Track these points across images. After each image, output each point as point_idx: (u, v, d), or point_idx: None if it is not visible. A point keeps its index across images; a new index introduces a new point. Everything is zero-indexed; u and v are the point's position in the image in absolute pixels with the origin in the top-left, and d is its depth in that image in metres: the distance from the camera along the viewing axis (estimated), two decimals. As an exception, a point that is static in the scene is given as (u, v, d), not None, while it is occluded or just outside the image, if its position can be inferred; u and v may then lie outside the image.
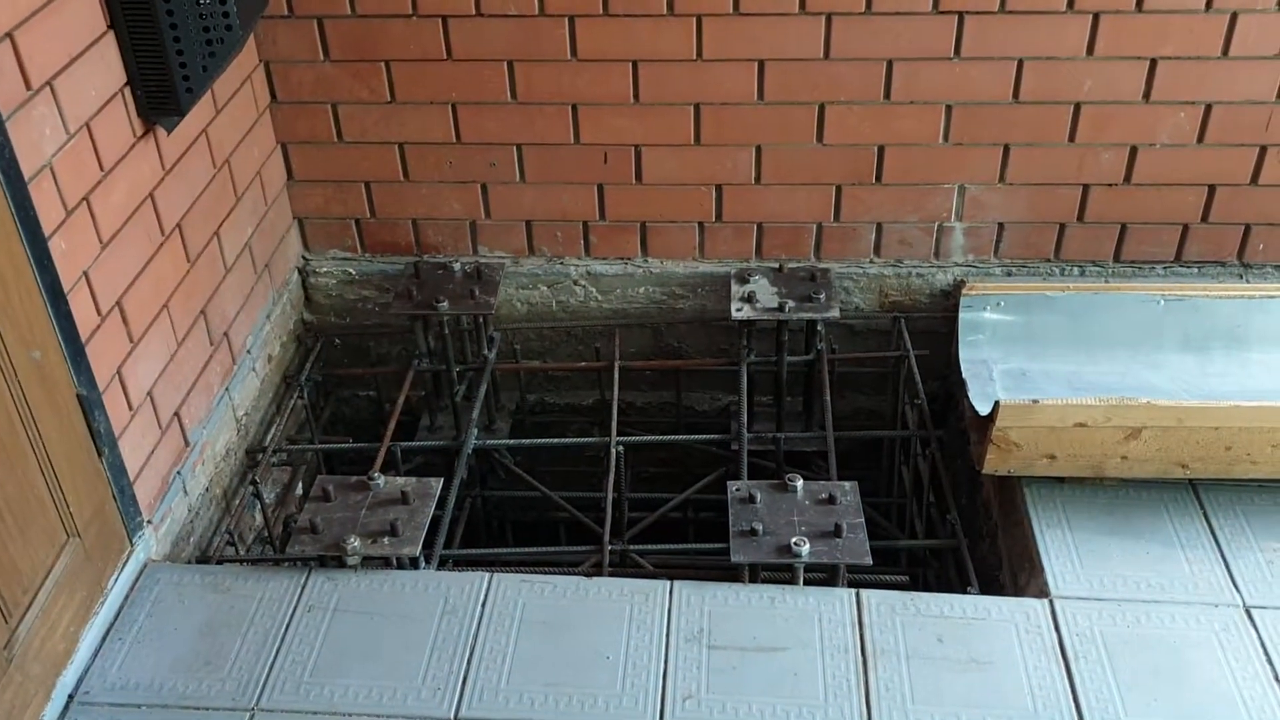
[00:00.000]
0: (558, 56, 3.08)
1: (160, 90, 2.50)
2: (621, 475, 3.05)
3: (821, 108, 3.12)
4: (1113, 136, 3.11)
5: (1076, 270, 3.33)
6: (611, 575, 2.69)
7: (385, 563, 2.54)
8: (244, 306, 3.09)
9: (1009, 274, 3.34)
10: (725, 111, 3.14)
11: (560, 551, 2.89)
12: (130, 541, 2.52)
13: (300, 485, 3.44)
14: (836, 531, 2.49)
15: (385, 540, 2.53)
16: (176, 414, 2.73)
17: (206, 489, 2.90)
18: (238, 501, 3.05)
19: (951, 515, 2.79)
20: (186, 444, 2.79)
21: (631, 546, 2.84)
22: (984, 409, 2.68)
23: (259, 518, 3.13)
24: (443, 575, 2.53)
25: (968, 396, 2.76)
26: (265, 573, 2.54)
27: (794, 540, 2.45)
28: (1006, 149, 3.15)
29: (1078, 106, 3.07)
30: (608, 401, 3.28)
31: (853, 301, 3.42)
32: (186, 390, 2.78)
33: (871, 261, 3.37)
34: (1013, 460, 2.60)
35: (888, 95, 3.08)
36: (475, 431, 3.13)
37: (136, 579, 2.52)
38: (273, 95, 3.20)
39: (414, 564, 2.55)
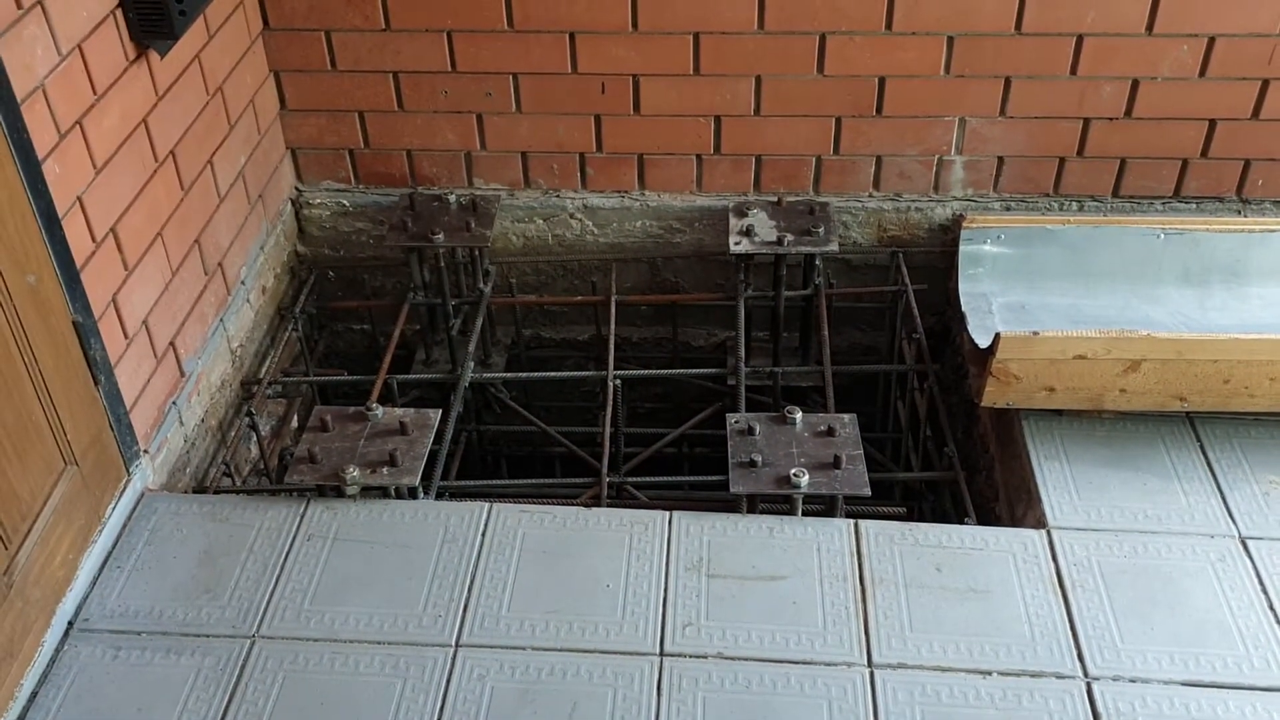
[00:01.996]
0: (555, -18, 3.03)
1: (152, 12, 2.45)
2: (618, 410, 3.04)
3: (822, 37, 3.08)
4: (1114, 69, 3.08)
5: (1075, 205, 3.31)
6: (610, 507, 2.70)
7: (384, 493, 2.53)
8: (237, 237, 3.06)
9: (1008, 208, 3.32)
10: (725, 41, 3.10)
11: (557, 484, 2.88)
12: (127, 470, 2.51)
13: (296, 418, 3.43)
14: (835, 463, 2.49)
15: (384, 470, 2.52)
16: (172, 344, 2.71)
17: (202, 420, 2.89)
18: (233, 433, 3.04)
19: (949, 448, 2.80)
20: (182, 374, 2.77)
21: (628, 480, 2.84)
22: (983, 342, 2.68)
23: (255, 450, 3.13)
24: (442, 505, 2.52)
25: (967, 329, 2.76)
26: (264, 502, 2.54)
27: (793, 471, 2.45)
28: (1008, 81, 3.12)
29: (1080, 38, 3.03)
30: (604, 337, 3.27)
31: (851, 236, 3.41)
32: (181, 320, 2.76)
33: (870, 195, 3.35)
34: (1012, 393, 2.60)
35: (889, 25, 3.04)
36: (471, 365, 3.11)
37: (134, 508, 2.51)
38: (265, 22, 3.15)
39: (413, 494, 2.55)
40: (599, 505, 2.67)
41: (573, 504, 2.71)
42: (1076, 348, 2.51)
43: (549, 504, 2.55)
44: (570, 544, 2.42)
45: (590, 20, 3.08)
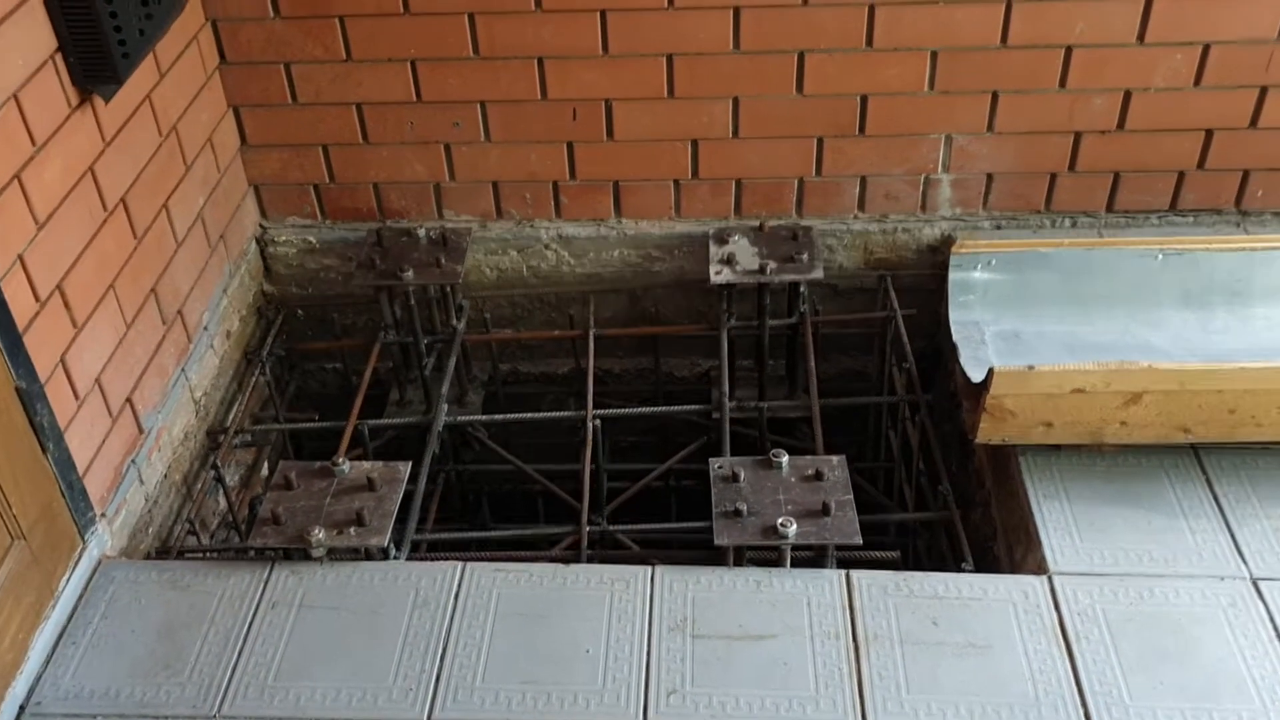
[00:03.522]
0: (521, 8, 2.90)
1: (94, 57, 2.33)
2: (599, 449, 2.93)
3: (801, 56, 2.96)
4: (1106, 81, 2.96)
5: (1068, 221, 3.20)
6: (590, 558, 2.59)
7: (353, 553, 2.41)
8: (198, 281, 2.93)
9: (998, 227, 3.21)
10: (700, 62, 2.98)
11: (537, 535, 2.76)
12: (82, 538, 2.39)
13: (266, 464, 3.31)
14: (824, 510, 2.37)
15: (352, 530, 2.40)
16: (129, 400, 2.59)
17: (165, 476, 2.77)
18: (199, 486, 2.92)
19: (943, 486, 2.68)
20: (140, 431, 2.65)
21: (611, 527, 2.73)
22: (977, 375, 2.56)
23: (223, 501, 3.00)
24: (413, 565, 2.40)
25: (959, 361, 2.64)
26: (226, 567, 2.41)
27: (780, 521, 2.34)
28: (995, 96, 3.01)
29: (1069, 50, 2.92)
30: (583, 370, 3.16)
31: (836, 260, 3.29)
32: (139, 374, 2.64)
33: (855, 217, 3.23)
34: (1007, 429, 2.49)
35: (870, 42, 2.93)
36: (445, 407, 2.99)
37: (90, 578, 2.39)
38: (221, 55, 3.02)
39: (383, 554, 2.43)
40: (579, 555, 2.56)
41: (552, 556, 2.61)
42: (1074, 381, 2.40)
43: (526, 560, 2.44)
44: (548, 605, 2.30)
45: (559, 45, 2.96)
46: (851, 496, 2.42)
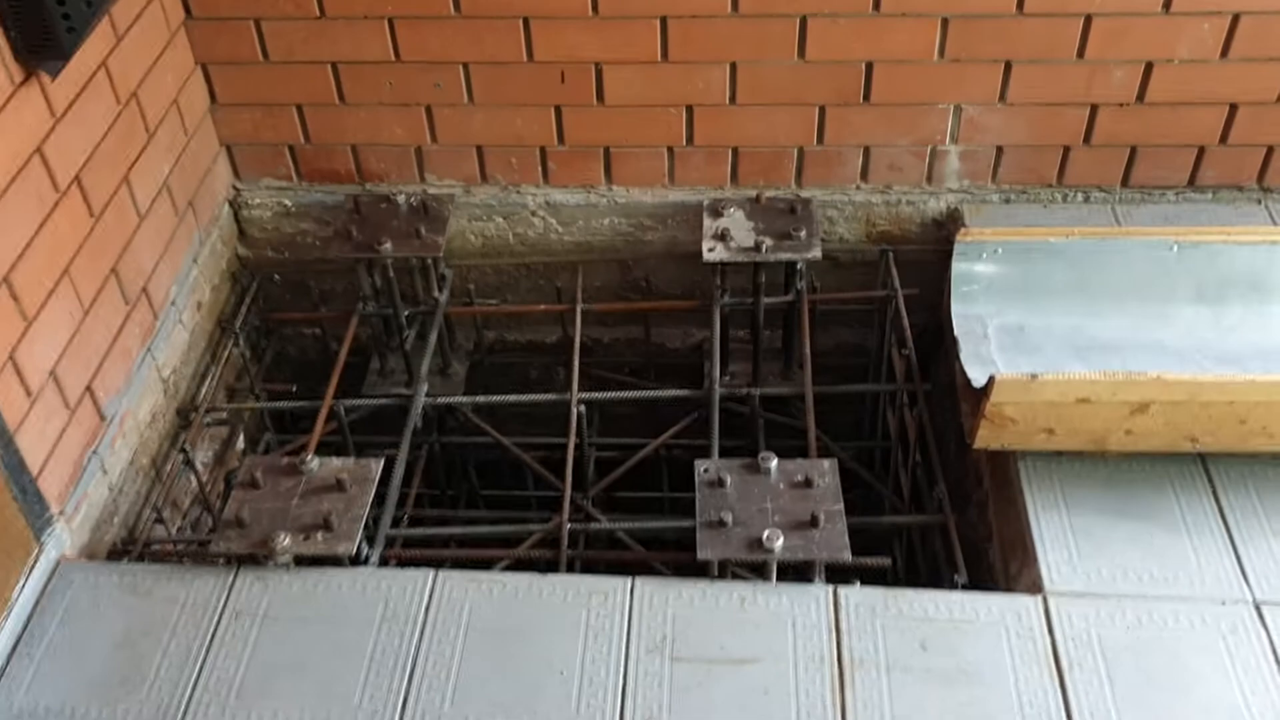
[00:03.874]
0: (505, -35, 2.73)
1: (37, 32, 2.16)
2: (583, 433, 2.82)
3: (803, 20, 2.78)
4: (1126, 52, 2.78)
5: (1080, 196, 3.04)
6: (571, 559, 2.49)
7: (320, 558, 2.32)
8: (164, 255, 2.80)
9: (1007, 200, 3.05)
10: (695, 25, 2.80)
11: (517, 532, 2.64)
12: (38, 540, 2.29)
13: (242, 437, 3.21)
14: (813, 521, 2.27)
15: (319, 536, 2.31)
16: (88, 388, 2.48)
17: (130, 462, 2.66)
18: (169, 467, 2.82)
19: (939, 489, 2.58)
20: (102, 419, 2.54)
21: (593, 525, 2.62)
22: (977, 374, 2.43)
23: (195, 482, 2.91)
24: (383, 574, 2.31)
25: (960, 358, 2.51)
26: (189, 572, 2.32)
27: (766, 534, 2.23)
28: (1008, 66, 2.83)
29: (1088, 19, 2.73)
30: (572, 338, 3.03)
31: (837, 231, 3.14)
32: (99, 361, 2.52)
33: (858, 188, 3.07)
34: (1007, 436, 2.37)
35: (877, 7, 2.74)
36: (425, 386, 2.87)
37: (48, 582, 2.30)
38: (187, 10, 2.85)
39: (354, 559, 2.34)
40: (558, 557, 2.46)
41: (532, 554, 2.51)
42: (1079, 391, 2.27)
43: (504, 557, 2.35)
44: (522, 620, 2.21)
45: (545, 5, 2.78)
46: (841, 506, 2.32)
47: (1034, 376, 2.26)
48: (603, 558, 2.65)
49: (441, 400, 2.93)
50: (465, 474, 3.56)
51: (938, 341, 3.26)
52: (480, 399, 2.92)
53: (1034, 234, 2.61)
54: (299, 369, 3.45)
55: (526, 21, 2.81)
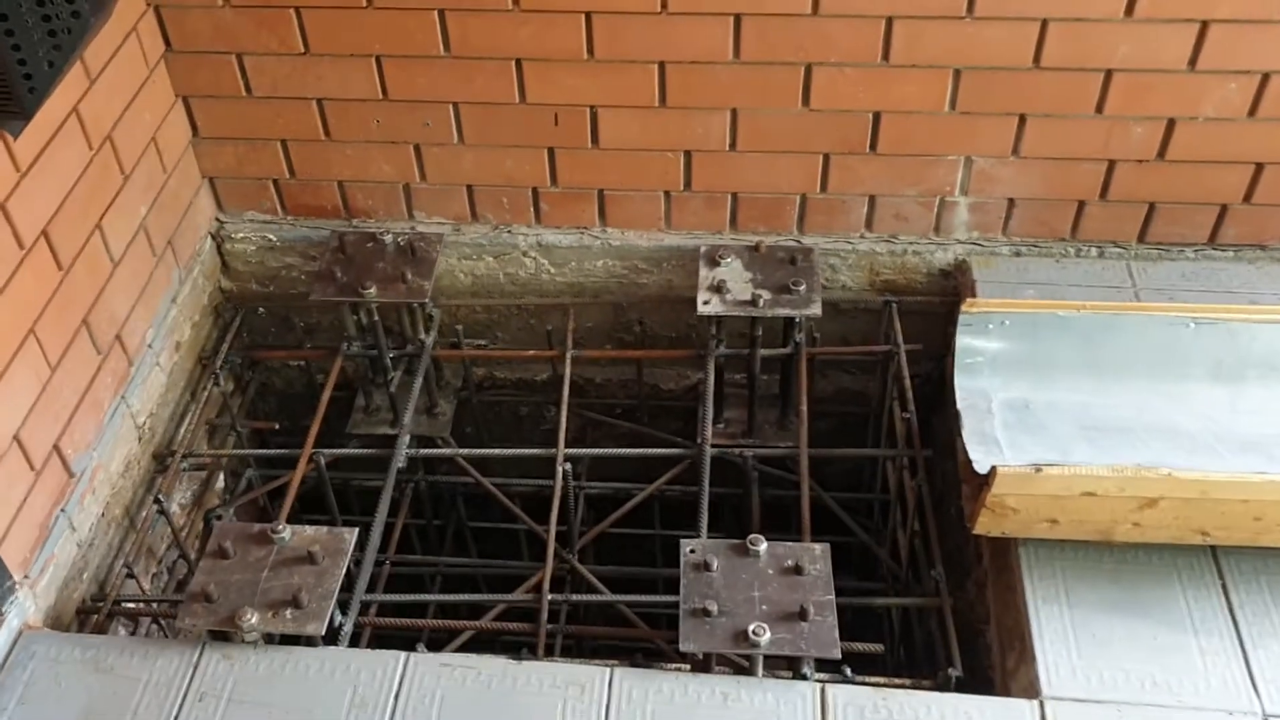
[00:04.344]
0: (497, 6, 2.60)
1: (-3, 91, 2.06)
2: (569, 490, 2.72)
3: (809, 69, 2.66)
4: (1148, 108, 2.66)
5: (1094, 250, 2.92)
6: (550, 636, 2.40)
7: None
8: (140, 299, 2.70)
9: (1018, 253, 2.94)
10: (695, 71, 2.68)
11: (495, 600, 2.55)
12: (-1, 611, 2.22)
13: (223, 475, 3.12)
14: (802, 614, 2.17)
15: (288, 614, 2.22)
16: (55, 446, 2.39)
17: (102, 514, 2.58)
18: (144, 514, 2.74)
19: (936, 571, 2.48)
20: (71, 475, 2.45)
21: (576, 595, 2.53)
22: (979, 458, 2.33)
23: (169, 533, 2.82)
24: (353, 655, 2.22)
25: (961, 434, 2.40)
26: (155, 646, 2.24)
27: (753, 628, 2.14)
28: (1022, 119, 2.70)
29: (1109, 74, 2.61)
30: (561, 376, 2.93)
31: (839, 279, 3.03)
32: (67, 417, 2.43)
33: (862, 236, 2.96)
34: (1009, 524, 2.27)
35: (886, 57, 2.62)
36: (408, 438, 2.78)
37: (9, 653, 2.22)
38: (167, 43, 2.74)
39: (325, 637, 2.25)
40: (535, 634, 2.37)
41: (509, 628, 2.43)
42: (1084, 485, 2.17)
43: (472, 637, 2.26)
44: (496, 711, 2.12)
45: (538, 48, 2.66)
46: (833, 596, 2.22)
47: (1038, 469, 2.16)
48: (585, 632, 2.56)
49: (425, 452, 2.83)
50: (453, 505, 3.48)
51: (940, 390, 3.15)
52: (464, 451, 2.83)
53: (1043, 306, 2.49)
54: (283, 401, 3.36)
55: (519, 63, 2.70)
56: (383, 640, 2.53)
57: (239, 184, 2.99)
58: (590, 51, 2.65)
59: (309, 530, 2.37)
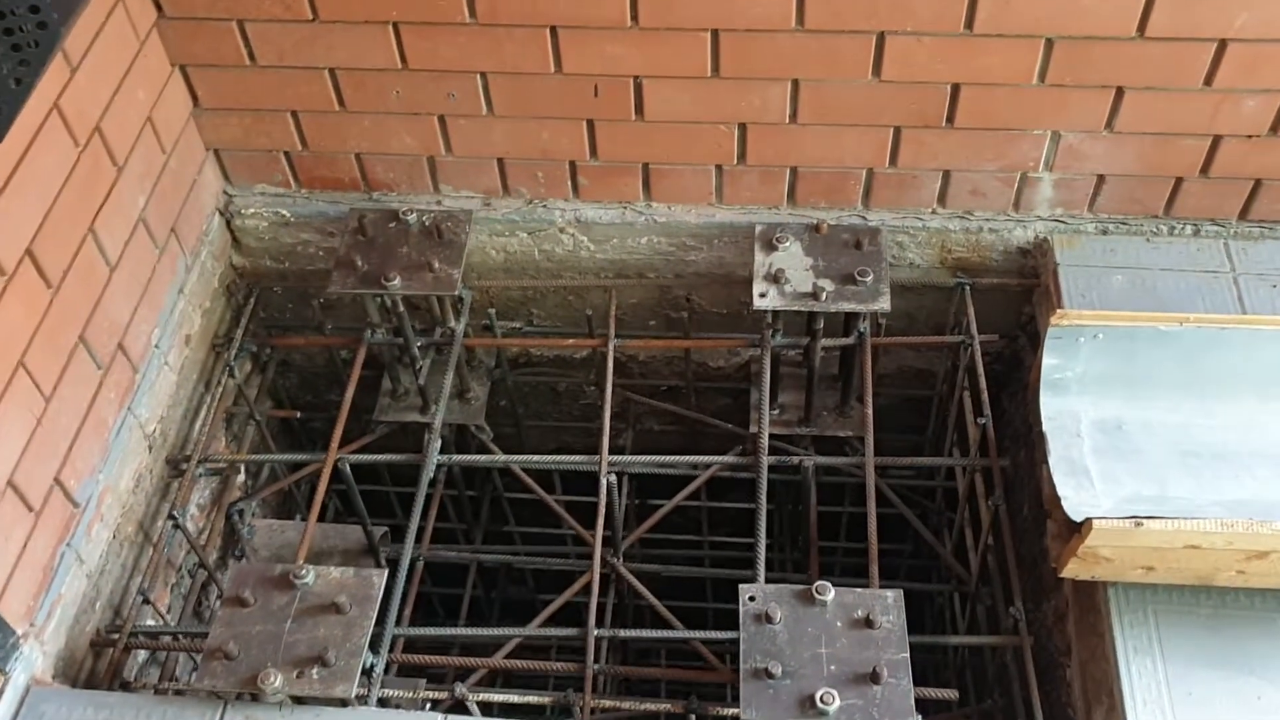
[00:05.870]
0: (528, -31, 2.30)
1: (-37, 110, 1.80)
2: (614, 505, 2.53)
3: (881, 38, 2.35)
4: (1263, 80, 2.34)
5: (1189, 229, 2.64)
6: (598, 676, 2.24)
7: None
8: (142, 299, 2.47)
9: (1104, 231, 2.66)
10: (753, 39, 2.37)
11: (537, 636, 2.38)
12: (2, 670, 2.05)
13: (243, 467, 2.94)
14: (874, 676, 1.99)
15: (314, 673, 2.05)
16: (56, 480, 2.20)
17: (114, 536, 2.41)
18: (159, 527, 2.57)
19: (1015, 609, 2.28)
20: (75, 506, 2.26)
21: (624, 630, 2.36)
22: (1068, 490, 2.11)
23: (194, 529, 2.65)
24: (384, 717, 2.06)
25: (1048, 461, 2.17)
26: (172, 709, 2.08)
27: (821, 694, 1.96)
28: (1119, 92, 2.40)
29: (1223, 44, 2.29)
30: (602, 354, 2.72)
31: (907, 257, 2.76)
32: (67, 446, 2.23)
33: (934, 213, 2.68)
34: (1100, 571, 2.07)
35: (970, 25, 2.31)
36: (439, 443, 2.57)
37: (16, 711, 2.07)
38: (158, 7, 2.45)
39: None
40: (583, 662, 2.20)
41: (554, 667, 2.26)
42: (1188, 539, 1.95)
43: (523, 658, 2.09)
44: (541, 785, 1.97)
45: (575, 14, 2.36)
46: (907, 654, 2.04)
47: (1138, 523, 1.94)
48: (635, 673, 2.40)
49: (459, 459, 2.63)
50: (488, 477, 3.30)
51: (1012, 369, 2.92)
52: (502, 459, 2.63)
53: (1142, 319, 2.23)
54: (305, 381, 3.16)
55: (554, 31, 2.40)
56: (414, 670, 2.38)
57: (247, 155, 2.73)
58: (634, 18, 2.35)
59: (334, 573, 2.18)
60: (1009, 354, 2.91)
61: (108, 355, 2.35)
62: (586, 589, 2.36)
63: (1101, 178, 2.57)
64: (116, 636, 2.35)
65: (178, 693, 2.43)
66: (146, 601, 2.46)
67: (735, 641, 2.09)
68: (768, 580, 2.21)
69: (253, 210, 2.80)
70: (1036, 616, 2.45)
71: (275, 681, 2.02)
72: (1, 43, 1.74)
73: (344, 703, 2.06)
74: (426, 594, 3.68)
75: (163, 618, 2.56)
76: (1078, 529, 2.00)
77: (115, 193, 2.34)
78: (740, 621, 2.09)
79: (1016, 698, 2.31)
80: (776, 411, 2.83)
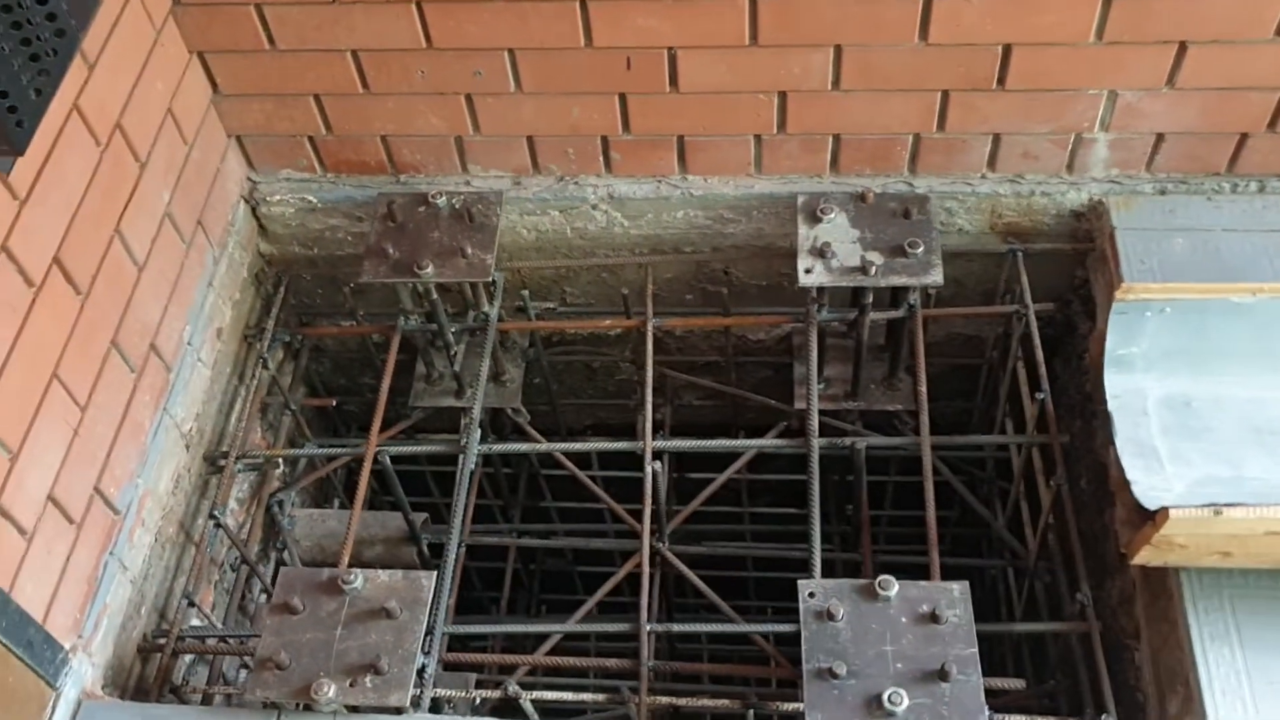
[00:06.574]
0: (554, -59, 2.19)
1: (-20, 125, 1.73)
2: (659, 490, 2.46)
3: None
4: (1338, 27, 2.23)
5: (1254, 185, 2.53)
6: (655, 664, 2.18)
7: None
8: (172, 296, 2.41)
9: (1163, 191, 2.55)
10: (792, 5, 2.27)
11: (588, 627, 2.34)
12: (53, 686, 2.02)
13: (282, 462, 2.88)
14: (942, 674, 1.93)
15: (368, 682, 2.01)
16: (96, 489, 2.15)
17: (155, 539, 2.37)
18: (200, 525, 2.53)
19: (1082, 594, 2.21)
20: (116, 513, 2.22)
21: (675, 624, 2.31)
22: (1138, 474, 2.03)
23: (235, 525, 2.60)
24: (440, 726, 2.03)
25: (1114, 443, 2.09)
26: (224, 717, 2.05)
27: (889, 694, 1.91)
28: (1182, 47, 2.28)
29: (1294, -9, 2.17)
30: (640, 332, 2.65)
31: (956, 223, 2.67)
32: (105, 454, 2.18)
33: (983, 177, 2.58)
34: (1174, 557, 2.00)
35: (1024, -18, 2.19)
36: (479, 433, 2.51)
37: (69, 726, 2.05)
38: (174, -6, 2.36)
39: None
40: (638, 664, 2.15)
41: (603, 663, 2.21)
42: (1271, 525, 1.87)
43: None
44: (603, 792, 1.93)
45: (606, -15, 2.26)
46: (975, 649, 1.98)
47: (1218, 511, 1.86)
48: (686, 669, 2.35)
49: (499, 449, 2.57)
50: (533, 488, 3.26)
51: (1066, 334, 2.83)
52: (543, 447, 2.56)
53: (1211, 291, 2.13)
54: (338, 367, 3.10)
55: (584, 4, 2.29)
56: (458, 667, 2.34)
57: (270, 141, 2.64)
58: (668, -11, 2.25)
59: (382, 576, 2.13)
60: (1061, 319, 2.81)
61: (140, 357, 2.29)
62: (631, 576, 2.32)
63: (1160, 136, 2.45)
64: (163, 641, 2.32)
65: (227, 698, 2.40)
66: (192, 604, 2.42)
67: (791, 632, 2.05)
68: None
69: (278, 197, 2.72)
70: (1099, 595, 2.38)
71: (329, 692, 1.99)
72: (20, 54, 1.65)
73: (399, 710, 2.01)
74: (466, 569, 3.64)
75: (208, 617, 2.52)
76: (1150, 516, 1.93)
77: (139, 190, 2.27)
78: (801, 619, 2.03)
79: (1083, 681, 2.25)
80: (822, 385, 2.75)
